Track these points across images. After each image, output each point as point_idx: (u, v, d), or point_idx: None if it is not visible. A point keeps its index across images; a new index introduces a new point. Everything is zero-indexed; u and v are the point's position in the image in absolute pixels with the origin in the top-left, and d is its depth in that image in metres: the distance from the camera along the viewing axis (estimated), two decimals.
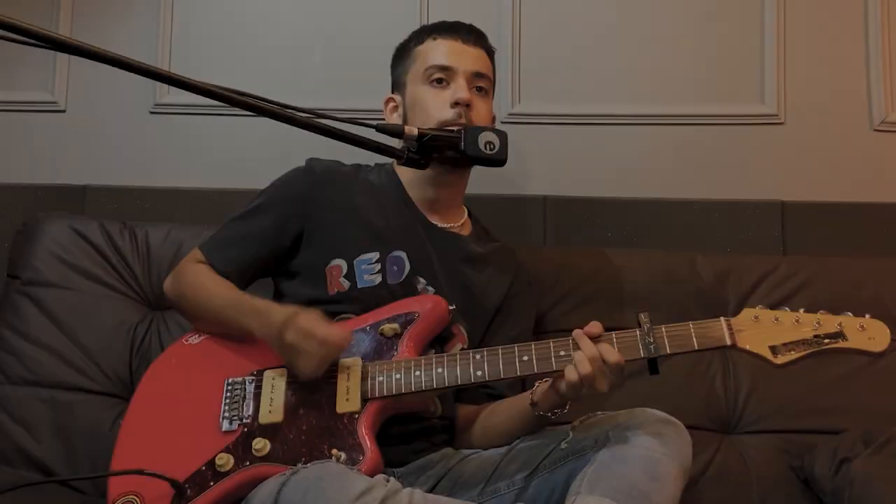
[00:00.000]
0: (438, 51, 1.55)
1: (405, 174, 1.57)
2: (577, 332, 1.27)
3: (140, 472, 1.25)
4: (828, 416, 1.67)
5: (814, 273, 1.78)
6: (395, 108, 1.60)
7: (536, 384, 1.36)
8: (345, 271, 1.48)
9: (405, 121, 1.55)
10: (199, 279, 1.47)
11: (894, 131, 1.98)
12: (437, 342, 1.46)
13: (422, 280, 1.49)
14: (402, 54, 1.61)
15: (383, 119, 1.60)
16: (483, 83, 1.55)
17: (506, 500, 1.32)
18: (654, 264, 1.81)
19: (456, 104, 1.48)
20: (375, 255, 1.49)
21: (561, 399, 1.30)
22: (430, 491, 1.35)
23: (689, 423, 1.30)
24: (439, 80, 1.52)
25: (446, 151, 1.31)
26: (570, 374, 1.24)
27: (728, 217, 1.96)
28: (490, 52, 1.61)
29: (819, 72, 2.00)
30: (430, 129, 1.32)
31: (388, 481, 1.13)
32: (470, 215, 1.66)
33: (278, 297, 1.55)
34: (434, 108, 1.50)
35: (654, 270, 1.80)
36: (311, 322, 1.28)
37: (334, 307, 1.45)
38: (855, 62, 2.00)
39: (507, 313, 1.57)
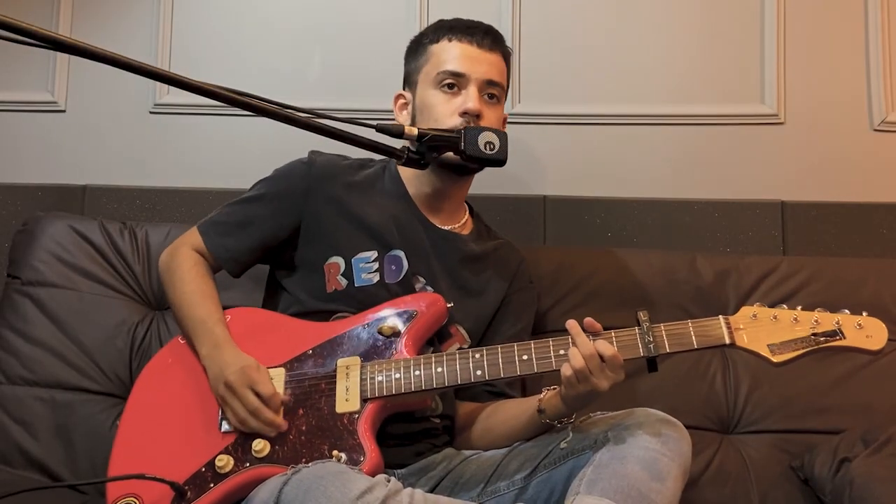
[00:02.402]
0: (452, 54, 1.50)
1: (406, 173, 1.56)
2: (571, 325, 1.26)
3: (140, 477, 1.25)
4: (828, 416, 1.67)
5: (814, 273, 1.78)
6: (405, 105, 1.57)
7: (545, 391, 1.35)
8: (342, 269, 1.48)
9: (413, 120, 1.54)
10: (184, 273, 1.48)
11: (894, 131, 1.98)
12: (433, 342, 1.45)
13: (421, 280, 1.49)
14: (417, 49, 1.57)
15: (386, 117, 1.59)
16: (495, 91, 1.51)
17: (506, 499, 1.32)
18: (654, 264, 1.81)
19: (465, 113, 1.46)
20: (374, 254, 1.49)
21: (565, 405, 1.29)
22: (431, 491, 1.35)
23: (688, 422, 1.30)
24: (450, 86, 1.49)
25: (446, 152, 1.31)
26: (565, 370, 1.24)
27: (728, 217, 1.96)
28: (506, 56, 1.57)
29: (819, 72, 2.00)
30: (430, 129, 1.32)
31: (388, 481, 1.13)
32: (472, 212, 1.65)
33: (275, 289, 1.55)
34: (442, 115, 1.47)
35: (654, 270, 1.80)
36: (263, 382, 1.30)
37: (332, 305, 1.45)
38: (855, 62, 2.00)
39: (506, 311, 1.57)
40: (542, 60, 2.03)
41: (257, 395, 1.30)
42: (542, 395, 1.35)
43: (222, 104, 1.39)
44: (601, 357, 1.23)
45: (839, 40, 2.01)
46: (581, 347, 1.23)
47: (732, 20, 2.02)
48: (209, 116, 2.04)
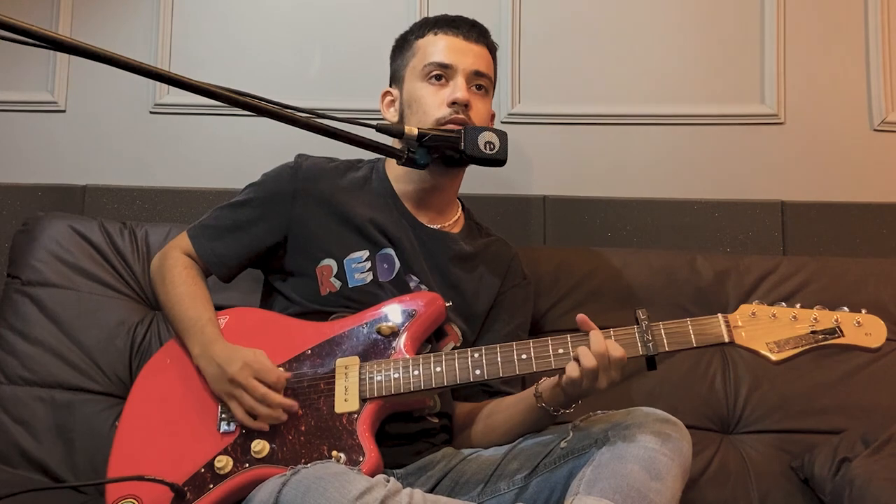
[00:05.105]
0: (438, 47, 1.51)
1: (394, 172, 1.56)
2: (581, 318, 1.27)
3: (140, 479, 1.25)
4: (828, 415, 1.67)
5: (814, 273, 1.79)
6: (392, 102, 1.57)
7: (543, 379, 1.35)
8: (335, 271, 1.47)
9: (401, 116, 1.53)
10: (174, 276, 1.49)
11: (894, 131, 1.98)
12: (431, 340, 1.45)
13: (414, 278, 1.49)
14: (403, 46, 1.58)
15: (381, 116, 1.60)
16: (483, 82, 1.52)
17: (506, 499, 1.32)
18: (654, 264, 1.81)
19: (453, 103, 1.46)
20: (365, 254, 1.48)
21: (564, 394, 1.29)
22: (431, 491, 1.35)
23: (688, 422, 1.30)
24: (438, 77, 1.49)
25: (446, 151, 1.31)
26: (572, 370, 1.23)
27: (728, 217, 1.96)
28: (492, 49, 1.57)
29: (819, 72, 2.00)
30: (429, 128, 1.32)
31: (388, 481, 1.13)
32: (464, 210, 1.65)
33: (271, 293, 1.55)
34: (431, 107, 1.47)
35: (654, 270, 1.80)
36: (266, 370, 1.31)
37: (328, 308, 1.45)
38: (855, 62, 2.00)
39: (500, 309, 1.56)
40: (541, 60, 2.03)
41: (263, 383, 1.30)
42: (538, 383, 1.35)
43: (222, 104, 1.39)
44: (608, 358, 1.23)
45: (839, 40, 2.01)
46: (594, 345, 1.23)
47: (732, 20, 2.02)
48: (209, 116, 2.04)
